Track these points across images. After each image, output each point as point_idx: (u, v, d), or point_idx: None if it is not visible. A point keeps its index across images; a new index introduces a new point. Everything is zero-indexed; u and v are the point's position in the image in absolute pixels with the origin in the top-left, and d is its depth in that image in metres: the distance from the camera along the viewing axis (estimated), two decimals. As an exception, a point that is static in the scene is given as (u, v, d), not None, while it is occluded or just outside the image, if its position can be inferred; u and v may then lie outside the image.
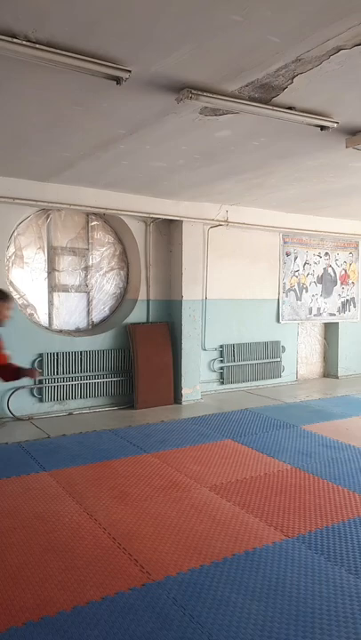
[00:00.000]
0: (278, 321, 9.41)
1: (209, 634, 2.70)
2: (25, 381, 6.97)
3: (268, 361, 9.25)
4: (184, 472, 5.00)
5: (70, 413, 7.30)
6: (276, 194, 7.23)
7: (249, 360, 9.02)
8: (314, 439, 6.06)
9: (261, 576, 3.23)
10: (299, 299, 9.67)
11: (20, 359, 6.96)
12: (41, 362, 7.10)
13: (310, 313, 9.84)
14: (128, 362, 7.80)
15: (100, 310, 8.07)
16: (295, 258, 9.56)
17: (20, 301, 7.24)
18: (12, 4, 2.58)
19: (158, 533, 3.76)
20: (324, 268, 9.98)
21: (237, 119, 4.15)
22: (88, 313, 7.95)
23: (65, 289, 7.69)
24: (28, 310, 7.36)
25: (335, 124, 4.18)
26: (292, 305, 9.57)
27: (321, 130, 4.23)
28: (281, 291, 9.39)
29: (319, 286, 9.93)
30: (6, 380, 4.27)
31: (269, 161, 5.45)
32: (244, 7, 2.58)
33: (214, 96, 3.59)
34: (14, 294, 7.14)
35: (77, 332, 7.79)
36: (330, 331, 10.44)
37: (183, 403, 7.93)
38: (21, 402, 7.00)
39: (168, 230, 8.18)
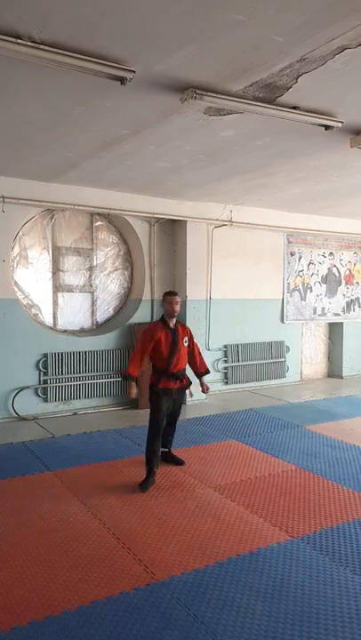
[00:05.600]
0: (282, 321, 9.39)
1: (213, 634, 2.69)
2: (29, 381, 7.01)
3: (272, 361, 9.23)
4: (188, 472, 4.99)
5: (75, 413, 7.31)
6: (280, 194, 7.22)
7: (253, 360, 9.01)
8: (318, 439, 6.04)
9: (266, 576, 3.23)
10: (303, 299, 9.64)
11: (25, 359, 7.02)
12: (45, 362, 7.11)
13: (315, 313, 9.82)
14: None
15: (105, 310, 8.07)
16: (299, 258, 9.54)
17: (24, 301, 7.26)
18: (15, 4, 2.59)
19: (162, 533, 3.76)
20: (329, 268, 9.96)
21: (241, 119, 4.14)
22: (92, 313, 7.96)
23: (69, 289, 7.70)
24: (33, 310, 7.37)
25: (340, 124, 4.17)
26: (296, 305, 9.55)
27: (325, 129, 4.22)
28: (285, 291, 9.37)
29: (323, 286, 9.90)
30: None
31: (273, 161, 5.45)
32: (248, 7, 2.58)
33: (218, 96, 3.58)
34: (19, 294, 7.17)
35: (82, 331, 7.80)
36: (334, 331, 10.42)
37: (187, 403, 7.92)
38: (26, 402, 7.01)
39: (172, 230, 8.18)
